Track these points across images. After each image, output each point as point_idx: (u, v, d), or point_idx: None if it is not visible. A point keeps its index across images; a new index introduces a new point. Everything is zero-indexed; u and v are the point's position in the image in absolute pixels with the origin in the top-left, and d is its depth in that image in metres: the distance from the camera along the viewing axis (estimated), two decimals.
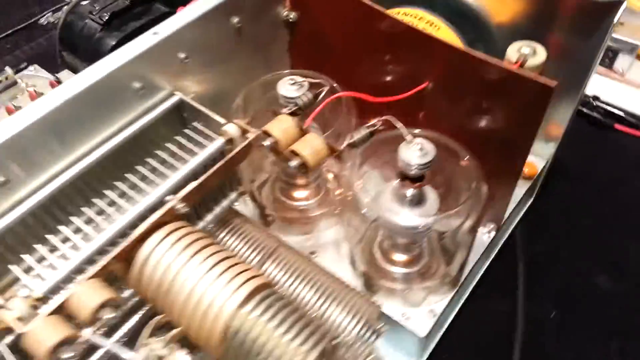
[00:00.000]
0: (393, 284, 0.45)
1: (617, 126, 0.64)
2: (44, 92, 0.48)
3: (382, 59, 0.45)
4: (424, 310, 0.45)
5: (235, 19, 0.43)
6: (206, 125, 0.40)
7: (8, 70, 0.57)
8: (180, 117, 0.42)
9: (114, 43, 0.48)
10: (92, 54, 0.48)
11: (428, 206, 0.41)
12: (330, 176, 0.49)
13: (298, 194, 0.51)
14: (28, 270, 0.33)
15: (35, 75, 0.54)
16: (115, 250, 0.32)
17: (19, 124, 0.33)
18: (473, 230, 0.42)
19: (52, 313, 0.29)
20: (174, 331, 0.32)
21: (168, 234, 0.33)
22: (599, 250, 0.56)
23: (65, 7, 0.54)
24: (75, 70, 0.49)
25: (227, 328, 0.30)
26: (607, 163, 0.63)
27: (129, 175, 0.36)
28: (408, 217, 0.40)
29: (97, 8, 0.49)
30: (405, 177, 0.39)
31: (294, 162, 0.36)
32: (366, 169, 0.41)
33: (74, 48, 0.50)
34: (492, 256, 0.53)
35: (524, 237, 0.56)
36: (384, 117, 0.38)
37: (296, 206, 0.51)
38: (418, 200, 0.41)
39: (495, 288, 0.53)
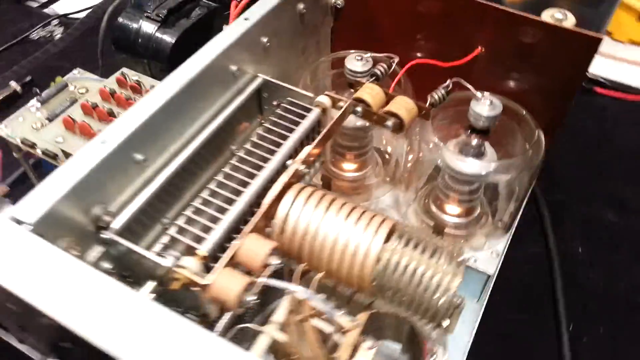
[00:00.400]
0: (458, 231, 0.50)
1: (597, 89, 0.73)
2: (114, 88, 0.49)
3: (429, 34, 0.50)
4: (486, 253, 0.50)
5: (301, 6, 0.47)
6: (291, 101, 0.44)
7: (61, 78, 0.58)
8: (258, 97, 0.46)
9: (174, 40, 0.50)
10: (153, 53, 0.51)
11: (489, 157, 0.47)
12: (389, 149, 0.54)
13: (347, 165, 0.56)
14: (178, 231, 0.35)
15: (81, 77, 0.55)
16: (262, 209, 0.35)
17: (150, 107, 0.36)
18: (531, 179, 0.48)
19: (225, 266, 0.32)
20: (318, 276, 0.36)
21: (299, 192, 0.37)
22: (603, 192, 0.65)
23: (107, 11, 0.55)
24: (133, 69, 0.51)
25: (378, 261, 0.34)
26: (593, 121, 0.73)
27: (246, 146, 0.40)
28: (474, 165, 0.46)
29: (151, 7, 0.51)
30: (474, 130, 0.45)
31: (389, 122, 0.41)
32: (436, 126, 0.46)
33: (131, 48, 0.52)
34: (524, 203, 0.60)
35: (541, 186, 0.64)
36: (454, 79, 0.44)
37: (347, 177, 0.56)
38: (481, 152, 0.47)
39: (525, 232, 0.60)
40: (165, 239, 0.36)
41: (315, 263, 0.36)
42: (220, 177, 0.38)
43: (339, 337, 0.35)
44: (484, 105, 0.43)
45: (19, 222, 0.29)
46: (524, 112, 0.46)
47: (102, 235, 0.34)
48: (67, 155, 0.46)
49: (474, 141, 0.46)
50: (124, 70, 0.50)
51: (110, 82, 0.50)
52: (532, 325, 0.54)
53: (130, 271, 0.34)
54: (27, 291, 0.26)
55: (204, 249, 0.34)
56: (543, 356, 0.52)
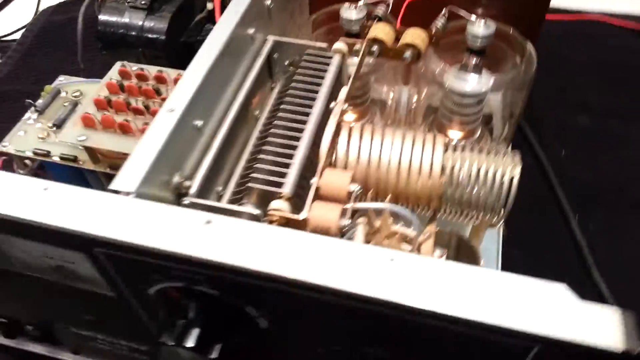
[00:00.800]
0: None
1: None
2: (120, 80, 0.48)
3: None
4: None
5: None
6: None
7: None
8: (267, 61, 0.47)
9: (167, 25, 0.50)
10: (146, 42, 0.50)
11: (485, 76, 0.51)
12: (391, 95, 0.57)
13: (348, 117, 0.58)
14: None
15: (69, 82, 0.54)
16: (324, 148, 0.37)
17: (199, 75, 0.37)
18: (528, 92, 0.53)
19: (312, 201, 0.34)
20: (387, 199, 0.38)
21: (351, 129, 0.39)
22: (571, 101, 0.72)
23: (80, 12, 0.54)
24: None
25: (444, 169, 0.37)
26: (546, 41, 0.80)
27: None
28: (476, 83, 0.50)
29: None
30: (472, 51, 0.49)
31: (407, 54, 0.44)
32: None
33: (121, 42, 0.51)
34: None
35: None
36: (448, 7, 0.47)
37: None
38: (480, 72, 0.51)
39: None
40: (228, 195, 0.38)
41: (383, 188, 0.39)
42: (273, 130, 0.39)
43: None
44: (480, 26, 0.47)
45: (121, 192, 0.30)
46: (511, 30, 0.51)
47: (184, 202, 0.35)
48: (91, 151, 0.46)
49: (473, 61, 0.50)
50: (125, 63, 0.49)
51: (113, 76, 0.49)
52: (543, 224, 0.60)
53: None
54: (178, 246, 0.27)
55: (285, 191, 0.35)
56: (561, 248, 0.58)
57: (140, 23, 0.50)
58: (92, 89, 0.52)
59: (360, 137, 0.39)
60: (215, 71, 0.38)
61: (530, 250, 0.58)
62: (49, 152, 0.48)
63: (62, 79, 0.54)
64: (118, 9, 0.51)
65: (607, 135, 0.68)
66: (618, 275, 0.55)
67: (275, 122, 0.40)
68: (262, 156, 0.38)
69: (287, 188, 0.35)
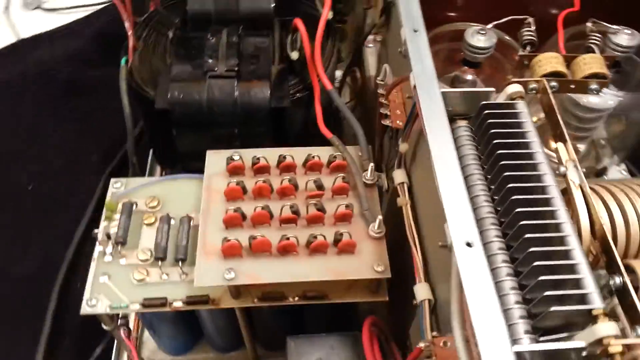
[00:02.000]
0: None
1: None
2: (240, 181, 0.34)
3: None
4: None
5: None
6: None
7: None
8: None
9: (269, 92, 0.34)
10: (244, 118, 0.34)
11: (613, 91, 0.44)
12: None
13: None
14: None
15: (137, 188, 0.38)
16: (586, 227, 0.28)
17: (457, 174, 0.26)
18: None
19: None
20: None
21: (603, 195, 0.30)
22: None
23: (122, 88, 0.37)
24: (211, 149, 0.35)
25: None
26: None
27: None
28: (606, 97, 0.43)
29: (210, 62, 0.34)
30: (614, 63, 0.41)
31: (594, 85, 0.35)
32: None
33: (207, 124, 0.35)
34: None
35: None
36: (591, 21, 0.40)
37: None
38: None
39: None
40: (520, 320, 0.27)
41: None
42: (525, 221, 0.29)
43: None
44: (624, 36, 0.40)
45: None
46: None
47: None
48: (242, 292, 0.32)
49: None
50: (226, 153, 0.35)
51: (220, 176, 0.34)
52: None
53: None
54: None
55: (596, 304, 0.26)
56: None
57: (232, 96, 0.36)
58: (171, 191, 0.38)
59: (620, 206, 0.30)
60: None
61: None
62: (165, 298, 0.33)
63: (118, 185, 0.38)
64: (193, 82, 0.36)
65: None
66: None
67: (520, 210, 0.29)
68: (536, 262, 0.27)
69: (597, 300, 0.26)
